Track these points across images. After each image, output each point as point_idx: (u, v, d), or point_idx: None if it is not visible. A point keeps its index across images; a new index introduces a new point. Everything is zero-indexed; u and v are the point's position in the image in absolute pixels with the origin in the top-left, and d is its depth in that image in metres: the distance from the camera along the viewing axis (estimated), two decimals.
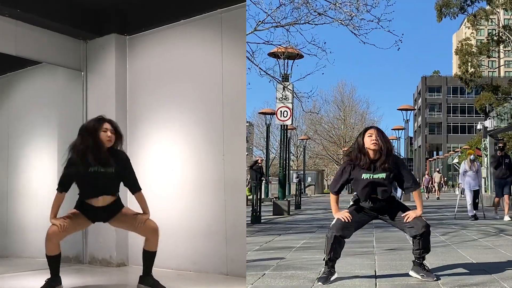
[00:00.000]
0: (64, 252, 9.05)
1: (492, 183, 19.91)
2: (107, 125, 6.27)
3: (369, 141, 5.82)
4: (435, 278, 5.98)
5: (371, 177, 5.82)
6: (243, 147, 8.07)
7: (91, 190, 6.26)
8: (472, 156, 15.59)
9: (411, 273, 6.21)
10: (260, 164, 24.02)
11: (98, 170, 6.17)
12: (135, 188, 6.51)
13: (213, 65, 8.12)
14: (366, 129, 5.95)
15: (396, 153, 6.08)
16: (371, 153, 5.85)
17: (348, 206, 6.15)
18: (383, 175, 5.82)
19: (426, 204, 26.87)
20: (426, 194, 38.85)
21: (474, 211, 15.13)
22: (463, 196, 16.26)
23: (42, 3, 8.47)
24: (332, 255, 5.98)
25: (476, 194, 15.48)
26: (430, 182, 40.48)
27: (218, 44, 8.11)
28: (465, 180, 15.42)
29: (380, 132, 5.88)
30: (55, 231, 6.24)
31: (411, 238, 6.09)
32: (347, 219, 5.91)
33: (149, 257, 6.54)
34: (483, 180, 32.79)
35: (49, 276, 6.48)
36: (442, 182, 44.36)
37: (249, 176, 22.23)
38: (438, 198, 36.40)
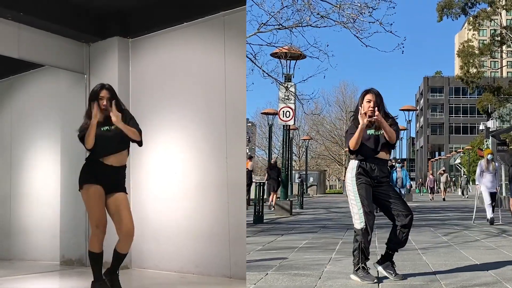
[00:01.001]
0: (67, 255, 9.15)
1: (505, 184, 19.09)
2: (103, 93, 6.39)
3: (367, 107, 6.17)
4: (402, 278, 6.18)
5: (373, 133, 6.19)
6: (243, 149, 8.09)
7: (103, 147, 6.29)
8: (489, 156, 14.39)
9: (378, 267, 6.33)
10: (278, 167, 24.53)
11: (108, 129, 6.30)
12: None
13: (215, 68, 8.13)
14: (365, 93, 6.27)
15: (391, 116, 6.41)
16: (369, 114, 6.18)
17: (352, 178, 6.20)
18: (382, 132, 6.18)
19: (430, 206, 26.78)
20: (430, 195, 37.24)
21: (492, 215, 14.01)
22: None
23: (45, 6, 8.47)
24: (366, 254, 6.16)
25: (493, 196, 14.33)
26: (435, 182, 38.51)
27: (221, 47, 8.12)
28: (482, 181, 14.26)
29: (378, 98, 6.23)
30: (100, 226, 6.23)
31: (397, 225, 6.19)
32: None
33: (118, 258, 6.39)
34: None
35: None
36: (448, 182, 41.43)
37: (266, 176, 23.26)
38: (443, 199, 34.94)
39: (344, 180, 6.08)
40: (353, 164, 6.24)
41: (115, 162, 6.35)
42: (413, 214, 6.23)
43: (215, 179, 7.97)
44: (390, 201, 6.20)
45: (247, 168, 23.79)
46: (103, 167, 6.28)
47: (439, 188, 38.80)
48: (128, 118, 6.55)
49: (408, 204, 6.35)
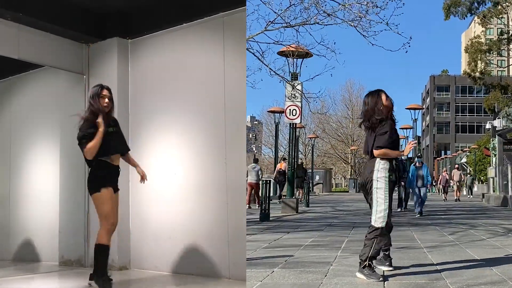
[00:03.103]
0: (66, 255, 9.14)
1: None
2: (105, 92, 6.73)
3: (389, 104, 6.42)
4: (391, 268, 6.61)
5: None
6: (243, 150, 8.04)
7: (110, 147, 6.67)
8: None
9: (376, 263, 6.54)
10: (304, 167, 28.64)
11: (113, 129, 6.75)
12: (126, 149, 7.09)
13: (215, 69, 8.07)
14: (380, 93, 6.44)
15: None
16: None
17: (385, 178, 6.27)
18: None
19: (438, 206, 26.62)
20: (443, 195, 33.09)
21: None
22: None
23: (45, 7, 8.43)
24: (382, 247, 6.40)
25: None
26: (446, 181, 33.86)
27: (220, 47, 8.06)
28: None
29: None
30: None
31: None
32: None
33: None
34: (491, 180, 32.13)
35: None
36: (462, 180, 35.39)
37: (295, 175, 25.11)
38: (457, 200, 30.90)
39: (370, 177, 6.18)
40: (386, 163, 6.26)
41: (118, 162, 6.78)
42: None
43: (214, 180, 7.91)
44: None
45: (281, 169, 25.51)
46: (113, 168, 6.68)
47: (452, 186, 33.94)
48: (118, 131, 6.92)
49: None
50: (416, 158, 18.25)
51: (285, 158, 31.17)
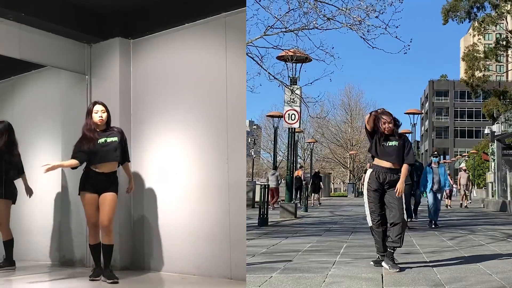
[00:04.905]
0: (68, 255, 9.14)
1: None
2: (97, 107, 7.58)
3: (386, 128, 7.33)
4: (398, 270, 6.99)
5: (387, 144, 7.38)
6: (244, 151, 8.04)
7: (96, 157, 7.50)
8: None
9: (383, 263, 7.25)
10: (320, 174, 32.81)
11: (104, 141, 7.49)
12: (124, 159, 7.81)
13: (216, 69, 8.08)
14: (380, 114, 7.38)
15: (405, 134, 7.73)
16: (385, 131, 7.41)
17: (365, 183, 7.55)
18: (395, 143, 7.37)
19: (444, 209, 26.46)
20: (447, 201, 27.24)
21: None
22: None
23: (46, 6, 8.43)
24: (377, 248, 7.48)
25: None
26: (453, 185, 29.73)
27: (222, 48, 8.07)
28: None
29: (392, 118, 7.39)
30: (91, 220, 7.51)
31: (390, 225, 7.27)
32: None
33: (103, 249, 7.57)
34: (490, 185, 31.91)
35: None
36: (469, 184, 30.63)
37: (311, 181, 29.92)
38: (465, 206, 27.71)
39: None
40: (368, 172, 7.51)
41: (107, 169, 7.55)
42: (400, 218, 7.18)
43: (216, 180, 7.92)
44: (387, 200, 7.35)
45: (298, 175, 28.77)
46: (97, 174, 7.56)
47: (459, 191, 29.67)
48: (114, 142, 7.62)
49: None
50: (432, 158, 15.23)
51: (302, 166, 32.87)
